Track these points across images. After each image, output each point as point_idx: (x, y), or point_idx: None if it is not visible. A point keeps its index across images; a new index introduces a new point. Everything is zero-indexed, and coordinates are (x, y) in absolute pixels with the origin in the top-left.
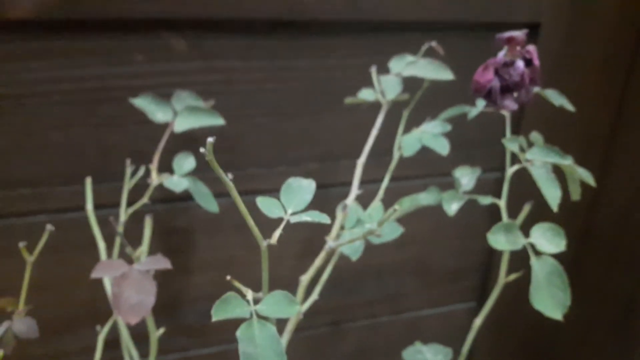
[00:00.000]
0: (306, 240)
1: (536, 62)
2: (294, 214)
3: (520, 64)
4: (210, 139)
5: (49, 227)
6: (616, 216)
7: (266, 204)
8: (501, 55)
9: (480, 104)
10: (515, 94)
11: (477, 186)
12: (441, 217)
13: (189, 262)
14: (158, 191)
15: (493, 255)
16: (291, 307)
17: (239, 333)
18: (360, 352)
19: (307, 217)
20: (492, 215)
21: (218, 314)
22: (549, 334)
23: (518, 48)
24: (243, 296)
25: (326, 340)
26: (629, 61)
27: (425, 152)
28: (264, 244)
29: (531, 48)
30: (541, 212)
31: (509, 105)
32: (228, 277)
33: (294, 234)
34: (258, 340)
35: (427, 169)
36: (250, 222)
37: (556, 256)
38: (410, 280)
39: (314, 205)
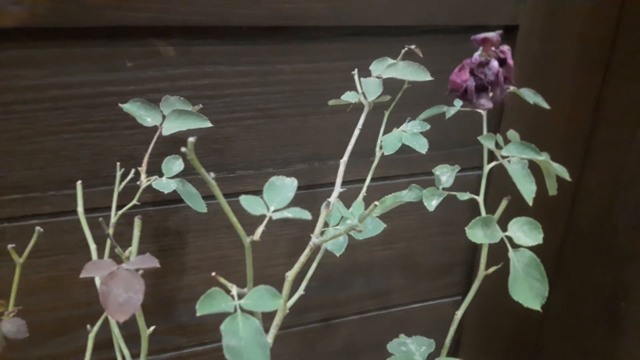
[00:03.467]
0: (295, 239)
1: (510, 61)
2: (276, 210)
3: (495, 63)
4: (191, 139)
5: (38, 229)
6: (597, 211)
7: (249, 202)
8: (476, 55)
9: (458, 103)
10: (490, 93)
11: (460, 184)
12: (426, 215)
13: (182, 263)
14: (151, 193)
15: (477, 251)
16: (274, 300)
17: (222, 327)
18: (351, 347)
19: (288, 214)
20: (476, 212)
21: (203, 308)
22: (535, 326)
23: (493, 48)
24: (228, 291)
25: (317, 336)
26: (605, 60)
27: (409, 152)
28: (247, 240)
29: (505, 48)
30: (524, 209)
31: (485, 103)
32: (213, 274)
33: (282, 234)
34: (242, 333)
35: (411, 169)
36: (234, 219)
37: (540, 252)
38: (398, 276)
39: (302, 204)
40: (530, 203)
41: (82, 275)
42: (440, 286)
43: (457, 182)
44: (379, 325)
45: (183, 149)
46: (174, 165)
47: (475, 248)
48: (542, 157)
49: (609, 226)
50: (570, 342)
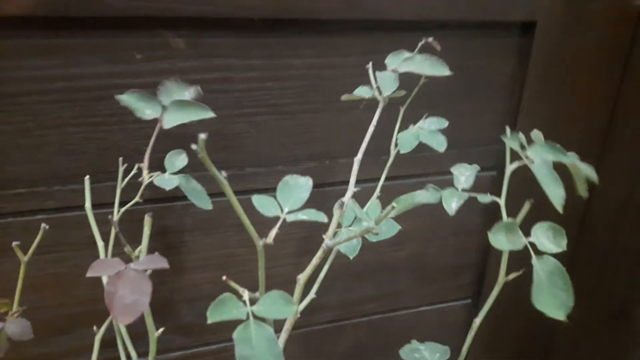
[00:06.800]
0: (303, 238)
1: None
2: (290, 212)
3: None
4: (202, 135)
5: (44, 225)
6: (611, 213)
7: (262, 203)
8: None
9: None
10: None
11: (474, 184)
12: (437, 215)
13: (187, 261)
14: (156, 190)
15: (488, 253)
16: (288, 307)
17: (235, 335)
18: (359, 350)
19: (303, 216)
20: (487, 213)
21: (214, 315)
22: (546, 331)
23: None
24: (239, 296)
25: (325, 338)
26: (624, 57)
27: (422, 150)
28: (260, 243)
29: None
30: (538, 211)
31: None
32: (224, 277)
33: (290, 233)
34: (255, 342)
35: (424, 168)
36: (246, 221)
37: (554, 254)
38: (407, 278)
39: (312, 204)
40: (560, 209)
41: (88, 274)
42: (450, 289)
43: None
44: (387, 327)
45: (194, 147)
46: (177, 160)
47: (487, 250)
48: (570, 159)
49: (623, 229)
50: (583, 347)
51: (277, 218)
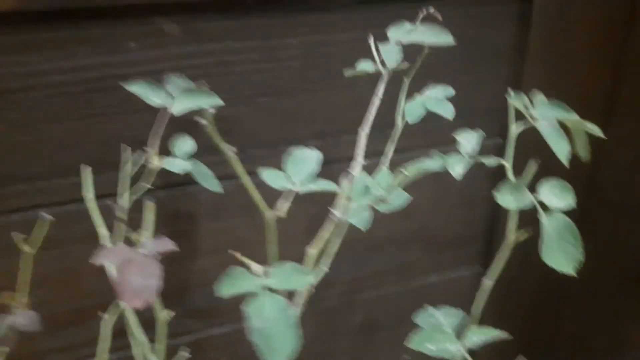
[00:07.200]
0: (313, 215)
1: None
2: (300, 184)
3: None
4: (210, 109)
5: (49, 217)
6: (621, 172)
7: (271, 176)
8: None
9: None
10: None
11: (480, 152)
12: (444, 185)
13: (196, 247)
14: (161, 177)
15: (496, 221)
16: (302, 278)
17: (247, 308)
18: (370, 323)
19: (314, 187)
20: (495, 181)
21: (226, 289)
22: (557, 291)
23: None
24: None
25: (336, 312)
26: (626, 18)
27: (426, 121)
28: (269, 214)
29: None
30: (543, 173)
31: None
32: (230, 251)
33: (300, 210)
34: (268, 313)
35: (428, 139)
36: (256, 195)
37: (562, 212)
38: (416, 249)
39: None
40: (566, 163)
41: (95, 262)
42: (459, 258)
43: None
44: (398, 300)
45: (204, 121)
46: (183, 145)
47: (495, 219)
48: (574, 117)
49: (634, 187)
50: (595, 306)
51: (286, 192)
